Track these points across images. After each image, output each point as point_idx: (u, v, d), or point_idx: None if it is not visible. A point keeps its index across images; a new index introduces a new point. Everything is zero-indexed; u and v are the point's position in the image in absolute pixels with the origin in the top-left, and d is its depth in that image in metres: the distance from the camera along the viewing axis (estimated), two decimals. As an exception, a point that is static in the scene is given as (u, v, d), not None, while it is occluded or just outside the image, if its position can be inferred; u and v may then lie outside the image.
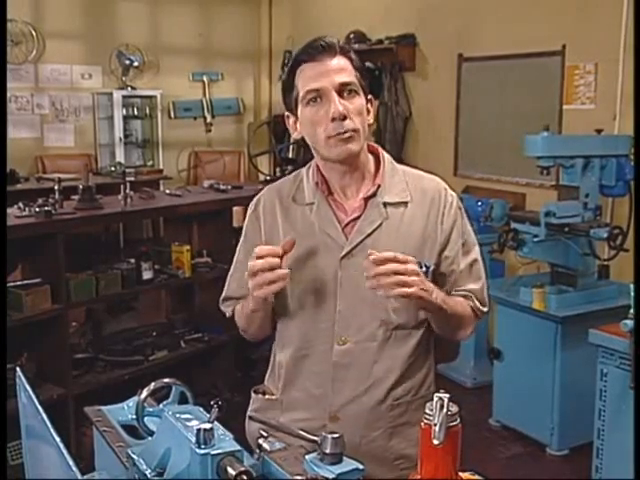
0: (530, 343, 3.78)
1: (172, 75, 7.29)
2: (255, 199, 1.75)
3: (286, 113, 1.65)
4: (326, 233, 1.62)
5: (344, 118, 1.53)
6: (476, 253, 1.70)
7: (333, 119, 1.53)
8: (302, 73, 1.57)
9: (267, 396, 1.74)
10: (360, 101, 1.57)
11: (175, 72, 7.30)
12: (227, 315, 1.81)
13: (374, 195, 1.62)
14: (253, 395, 1.79)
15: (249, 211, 1.75)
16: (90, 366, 3.69)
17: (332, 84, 1.53)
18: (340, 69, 1.55)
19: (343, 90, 1.55)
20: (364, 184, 1.64)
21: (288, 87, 1.61)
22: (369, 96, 1.62)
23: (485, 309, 1.71)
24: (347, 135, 1.54)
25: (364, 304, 1.59)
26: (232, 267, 1.79)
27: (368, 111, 1.62)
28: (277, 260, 1.48)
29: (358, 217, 1.62)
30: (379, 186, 1.63)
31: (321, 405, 1.64)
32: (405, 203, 1.63)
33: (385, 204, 1.62)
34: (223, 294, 1.81)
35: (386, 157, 1.69)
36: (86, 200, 3.61)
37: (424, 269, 1.60)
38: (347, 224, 1.62)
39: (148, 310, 4.25)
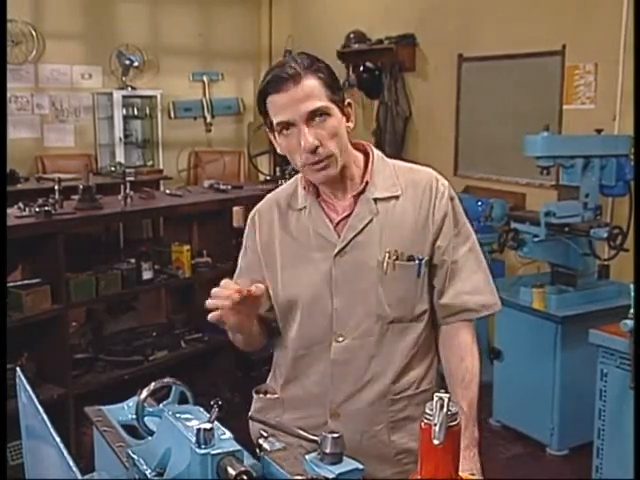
0: (530, 343, 3.78)
1: (172, 75, 7.28)
2: (253, 210, 1.76)
3: (267, 129, 1.63)
4: (319, 234, 1.63)
5: (316, 149, 1.52)
6: (472, 243, 1.67)
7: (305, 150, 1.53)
8: (270, 104, 1.55)
9: (268, 395, 1.75)
10: (333, 122, 1.54)
11: (175, 72, 7.29)
12: None
13: (363, 192, 1.63)
14: (254, 395, 1.79)
15: (248, 221, 1.76)
16: (90, 366, 3.69)
17: (299, 115, 1.51)
18: (306, 96, 1.51)
19: (314, 116, 1.52)
20: (353, 183, 1.64)
21: (262, 112, 1.59)
22: (347, 101, 1.60)
23: (492, 310, 1.67)
24: (322, 165, 1.54)
25: (359, 300, 1.60)
26: (235, 276, 1.77)
27: (348, 117, 1.60)
28: (236, 295, 1.49)
29: (349, 215, 1.62)
30: (367, 183, 1.63)
31: (321, 403, 1.64)
32: (396, 197, 1.63)
33: (375, 200, 1.62)
34: None
35: (375, 153, 1.68)
36: (86, 200, 3.61)
37: (417, 262, 1.61)
38: (339, 222, 1.63)
39: (148, 310, 4.25)
